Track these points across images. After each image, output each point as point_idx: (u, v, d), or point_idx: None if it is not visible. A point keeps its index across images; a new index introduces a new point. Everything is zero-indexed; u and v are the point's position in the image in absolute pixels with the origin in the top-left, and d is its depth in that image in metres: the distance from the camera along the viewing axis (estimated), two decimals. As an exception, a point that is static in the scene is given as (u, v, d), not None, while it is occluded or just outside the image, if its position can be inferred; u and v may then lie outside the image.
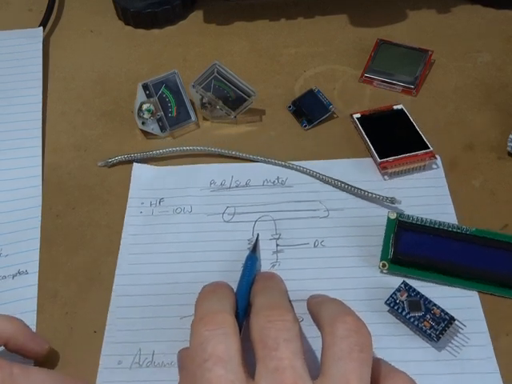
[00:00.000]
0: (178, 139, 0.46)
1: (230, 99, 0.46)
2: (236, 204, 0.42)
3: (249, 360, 0.29)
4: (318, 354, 0.33)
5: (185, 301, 0.37)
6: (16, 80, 0.50)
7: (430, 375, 0.34)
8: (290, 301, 0.36)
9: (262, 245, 0.39)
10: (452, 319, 0.35)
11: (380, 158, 0.42)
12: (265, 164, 0.44)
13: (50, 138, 0.47)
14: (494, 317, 0.36)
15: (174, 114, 0.46)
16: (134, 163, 0.45)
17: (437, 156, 0.43)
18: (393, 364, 0.31)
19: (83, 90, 0.50)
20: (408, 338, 0.36)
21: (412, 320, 0.35)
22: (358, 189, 0.41)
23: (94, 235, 0.41)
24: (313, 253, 0.39)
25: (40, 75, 0.51)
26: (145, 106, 0.46)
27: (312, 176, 0.43)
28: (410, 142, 0.43)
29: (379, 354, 0.31)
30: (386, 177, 0.43)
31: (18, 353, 0.34)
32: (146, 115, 0.46)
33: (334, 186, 0.42)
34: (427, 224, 0.39)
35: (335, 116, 0.47)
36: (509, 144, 0.43)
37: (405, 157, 0.42)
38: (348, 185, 0.42)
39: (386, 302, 0.36)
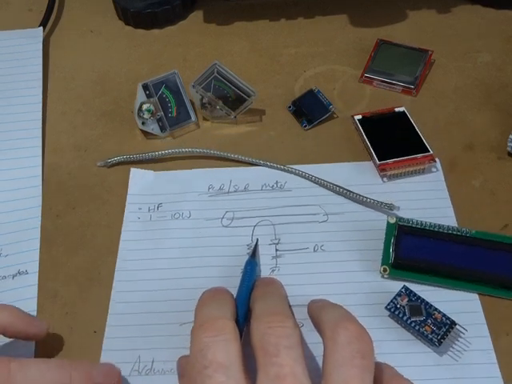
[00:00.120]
0: (178, 139, 0.46)
1: (230, 99, 0.46)
2: (235, 209, 0.42)
3: (249, 366, 0.29)
4: (319, 360, 0.34)
5: (184, 307, 0.37)
6: (16, 80, 0.50)
7: (431, 380, 0.34)
8: (290, 306, 0.36)
9: (261, 250, 0.39)
10: (453, 323, 0.35)
11: (379, 160, 0.42)
12: (263, 168, 0.44)
13: (50, 138, 0.47)
14: (494, 317, 0.36)
15: (174, 114, 0.46)
16: (132, 168, 0.44)
17: (436, 159, 0.43)
18: (394, 368, 0.31)
19: (83, 90, 0.50)
20: (409, 343, 0.35)
21: (413, 325, 0.35)
22: (357, 194, 0.41)
23: (94, 235, 0.42)
24: (312, 257, 0.39)
25: (40, 75, 0.51)
26: (145, 106, 0.46)
27: (311, 181, 0.43)
28: (410, 144, 0.43)
29: (380, 359, 0.31)
30: (385, 179, 0.43)
31: (19, 338, 0.34)
32: (146, 115, 0.46)
33: (333, 190, 0.42)
34: (427, 227, 0.39)
35: (335, 116, 0.47)
36: (509, 144, 0.43)
37: (404, 159, 0.42)
38: (347, 190, 0.41)
39: (386, 307, 0.36)
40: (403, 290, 0.36)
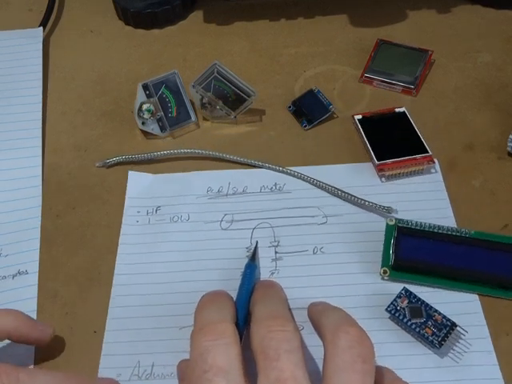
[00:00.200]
0: (178, 139, 0.46)
1: (230, 99, 0.46)
2: (234, 211, 0.42)
3: (250, 370, 0.29)
4: (319, 363, 0.33)
5: (184, 311, 0.37)
6: (16, 80, 0.50)
7: (432, 382, 0.34)
8: (290, 309, 0.36)
9: (260, 252, 0.39)
10: (454, 325, 0.35)
11: (378, 160, 0.42)
12: (262, 170, 0.44)
13: (50, 138, 0.47)
14: (494, 316, 0.36)
15: (174, 114, 0.46)
16: (129, 171, 0.44)
17: (435, 160, 0.42)
18: (395, 371, 0.31)
19: (83, 90, 0.50)
20: (409, 345, 0.35)
21: (413, 327, 0.35)
22: (356, 197, 0.41)
23: (94, 235, 0.41)
24: (312, 260, 0.39)
25: (40, 75, 0.51)
26: (145, 106, 0.46)
27: (310, 183, 0.43)
28: (410, 145, 0.43)
29: (381, 362, 0.30)
30: (383, 179, 0.43)
31: (23, 343, 0.34)
32: (146, 115, 0.46)
33: (332, 193, 0.42)
34: (426, 228, 0.38)
35: (335, 116, 0.47)
36: (509, 144, 0.43)
37: (403, 160, 0.42)
38: (345, 192, 0.41)
39: (386, 309, 0.36)
40: (403, 291, 0.36)
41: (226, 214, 0.42)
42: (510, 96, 0.47)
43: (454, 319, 0.35)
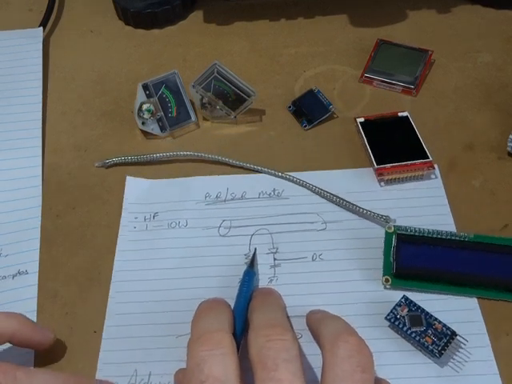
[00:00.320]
0: (178, 139, 0.46)
1: (230, 99, 0.46)
2: (232, 217, 0.41)
3: (247, 380, 0.29)
4: (318, 372, 0.33)
5: (181, 319, 0.36)
6: (16, 80, 0.50)
7: None
8: (288, 317, 0.35)
9: (259, 259, 0.38)
10: (454, 334, 0.34)
11: (377, 164, 0.42)
12: (260, 175, 0.43)
13: (50, 138, 0.47)
14: (494, 316, 0.36)
15: (174, 114, 0.46)
16: (127, 177, 0.44)
17: (435, 166, 0.42)
18: (394, 381, 0.30)
19: (83, 90, 0.50)
20: (409, 354, 0.35)
21: (413, 335, 0.34)
22: (355, 205, 0.40)
23: (94, 235, 0.41)
24: (311, 267, 0.38)
25: (40, 75, 0.51)
26: (145, 106, 0.46)
27: (308, 189, 0.42)
28: (410, 150, 0.43)
29: (380, 371, 0.30)
30: (382, 183, 0.42)
31: (24, 346, 0.34)
32: (146, 115, 0.46)
33: (330, 200, 0.41)
34: (426, 234, 0.38)
35: (335, 116, 0.47)
36: (509, 144, 0.43)
37: (402, 165, 0.42)
38: (344, 200, 0.41)
39: (386, 317, 0.35)
40: (403, 300, 0.36)
41: (224, 220, 0.41)
42: (509, 96, 0.47)
43: (454, 327, 0.34)
